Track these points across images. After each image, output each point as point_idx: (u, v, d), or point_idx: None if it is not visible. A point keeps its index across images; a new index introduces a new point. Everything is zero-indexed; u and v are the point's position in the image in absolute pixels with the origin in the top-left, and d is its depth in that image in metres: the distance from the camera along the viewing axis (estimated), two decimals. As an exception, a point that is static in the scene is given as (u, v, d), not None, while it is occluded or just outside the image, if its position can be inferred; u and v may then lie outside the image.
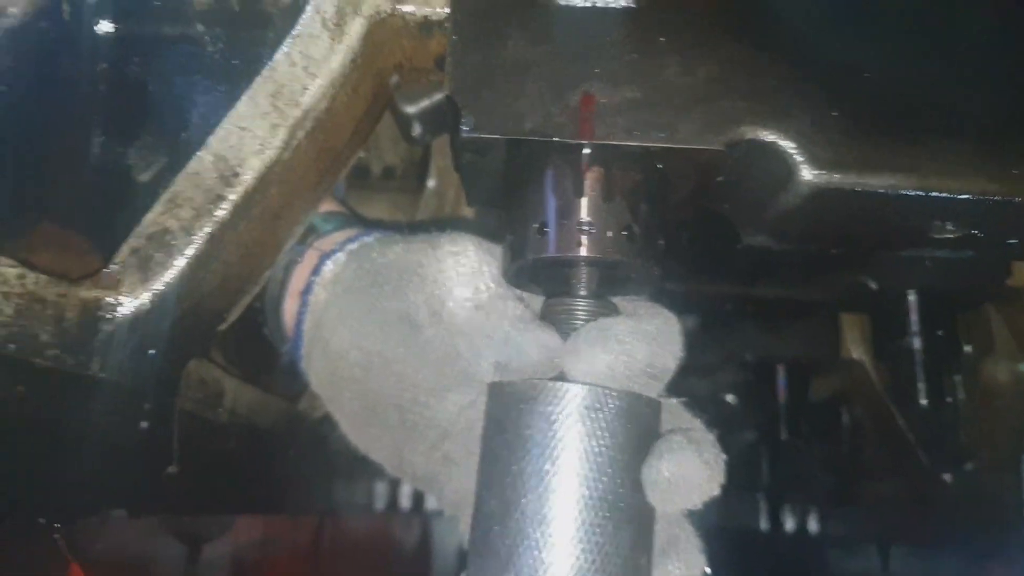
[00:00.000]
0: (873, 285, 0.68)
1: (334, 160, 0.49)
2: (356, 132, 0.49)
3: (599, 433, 0.40)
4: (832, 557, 1.43)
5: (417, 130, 0.85)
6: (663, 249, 0.43)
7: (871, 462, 1.08)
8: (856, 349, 1.01)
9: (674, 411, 0.45)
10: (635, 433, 0.40)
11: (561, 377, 0.41)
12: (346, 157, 0.50)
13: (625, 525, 0.39)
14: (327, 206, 0.57)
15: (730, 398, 1.31)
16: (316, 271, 0.51)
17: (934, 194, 0.40)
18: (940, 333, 0.72)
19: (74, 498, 0.44)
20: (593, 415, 0.40)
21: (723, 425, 1.35)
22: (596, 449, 0.39)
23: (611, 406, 0.40)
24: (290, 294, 0.52)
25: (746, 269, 0.70)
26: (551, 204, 0.41)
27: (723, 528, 1.32)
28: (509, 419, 0.41)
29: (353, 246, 0.51)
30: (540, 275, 0.44)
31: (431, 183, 0.90)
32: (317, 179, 0.49)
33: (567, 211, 0.41)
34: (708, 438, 0.42)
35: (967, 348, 0.92)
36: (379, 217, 0.81)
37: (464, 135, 0.41)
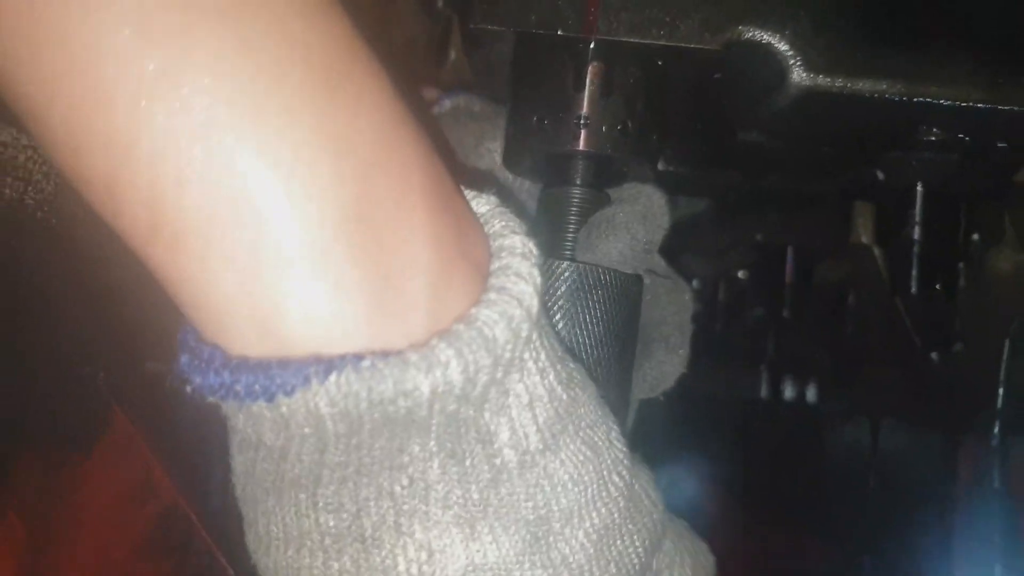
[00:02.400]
0: (881, 176, 0.69)
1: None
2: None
3: (592, 306, 0.43)
4: (827, 427, 1.50)
5: (439, 3, 0.85)
6: (656, 145, 0.45)
7: (870, 343, 1.12)
8: (866, 235, 1.03)
9: (660, 289, 0.48)
10: (623, 304, 0.44)
11: (552, 255, 0.45)
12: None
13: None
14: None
15: (741, 274, 1.34)
16: None
17: (917, 99, 0.41)
18: (941, 225, 0.74)
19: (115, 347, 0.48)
20: (586, 290, 0.43)
21: (734, 299, 1.39)
22: (590, 319, 0.43)
23: (603, 281, 0.43)
24: None
25: (756, 160, 0.72)
26: (550, 97, 0.43)
27: (727, 396, 1.39)
28: None
29: (435, 111, 0.53)
30: (539, 166, 0.47)
31: (452, 56, 0.90)
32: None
33: (566, 105, 0.43)
34: (676, 324, 0.47)
35: (975, 237, 0.94)
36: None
37: (472, 26, 0.43)
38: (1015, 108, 0.42)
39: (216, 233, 0.27)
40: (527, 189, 0.50)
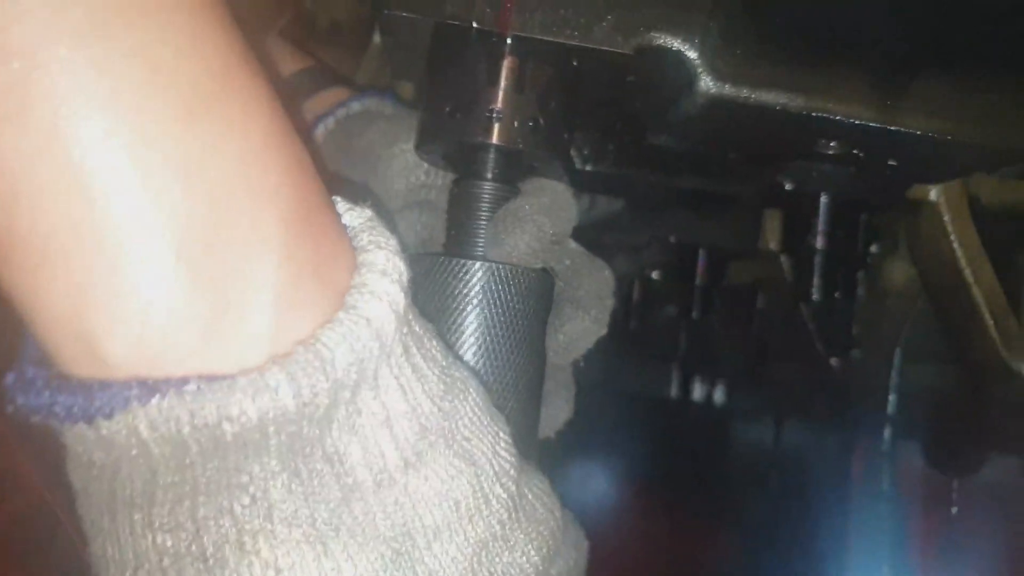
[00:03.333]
0: (788, 185, 0.72)
1: (264, 13, 0.50)
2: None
3: (504, 304, 0.44)
4: (733, 426, 1.55)
5: (366, -14, 0.83)
6: (568, 143, 0.45)
7: (776, 346, 1.16)
8: (773, 241, 1.07)
9: (578, 264, 0.49)
10: (533, 302, 0.45)
11: (462, 253, 0.45)
12: (278, 12, 0.51)
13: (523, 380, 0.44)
14: (306, 62, 0.57)
15: (655, 274, 1.37)
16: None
17: (816, 114, 0.43)
18: (841, 234, 0.78)
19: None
20: (495, 289, 0.44)
21: (647, 299, 1.42)
22: (499, 319, 0.43)
23: (514, 279, 0.44)
24: None
25: (670, 161, 0.73)
26: (464, 89, 0.44)
27: (638, 393, 1.42)
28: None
29: (342, 113, 0.53)
30: (450, 155, 0.47)
31: (376, 40, 0.89)
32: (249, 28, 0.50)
33: (479, 97, 0.43)
34: (593, 292, 0.48)
35: (873, 247, 0.98)
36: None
37: (386, 12, 0.43)
38: (902, 129, 0.44)
39: (51, 250, 0.27)
40: (441, 182, 0.50)
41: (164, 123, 0.27)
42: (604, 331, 0.49)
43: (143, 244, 0.27)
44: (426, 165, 0.50)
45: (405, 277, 0.32)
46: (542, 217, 0.44)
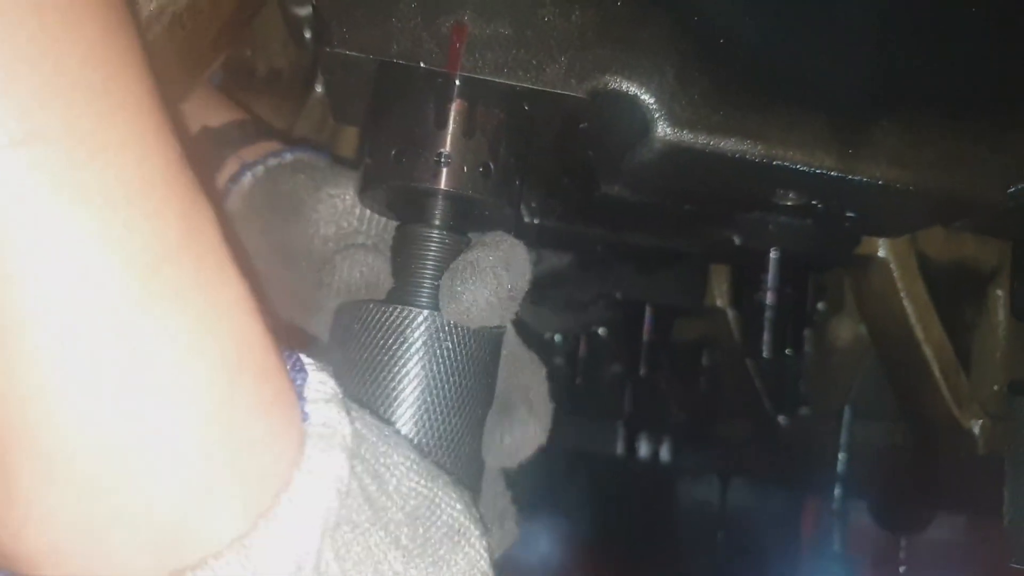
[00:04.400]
0: (737, 240, 0.71)
1: (196, 61, 0.47)
2: (222, 32, 0.47)
3: (448, 356, 0.41)
4: (679, 484, 1.53)
5: (308, 34, 0.81)
6: (519, 190, 0.43)
7: (723, 403, 1.15)
8: (720, 298, 1.07)
9: (522, 357, 0.47)
10: (480, 355, 0.42)
11: (407, 302, 0.42)
12: (210, 57, 0.48)
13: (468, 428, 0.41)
14: (237, 115, 0.56)
15: (601, 331, 1.36)
16: (235, 179, 0.52)
17: (776, 163, 0.42)
18: (790, 290, 0.77)
19: None
20: (441, 340, 0.41)
21: (593, 355, 1.40)
22: (443, 370, 0.41)
23: (458, 330, 0.41)
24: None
25: (619, 215, 0.72)
26: (411, 132, 0.41)
27: (582, 450, 1.39)
28: (350, 339, 0.41)
29: (273, 162, 0.52)
30: (396, 202, 0.44)
31: (318, 89, 0.87)
32: (176, 76, 0.47)
33: (426, 141, 0.41)
34: (541, 395, 0.46)
35: (820, 305, 0.98)
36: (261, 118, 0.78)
37: (329, 50, 0.40)
38: (863, 179, 0.43)
39: None
40: (375, 231, 0.48)
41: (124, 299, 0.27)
42: (545, 439, 0.46)
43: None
44: (359, 211, 0.48)
45: (341, 484, 0.31)
46: (501, 270, 0.41)
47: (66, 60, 0.26)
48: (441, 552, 0.33)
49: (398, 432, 0.37)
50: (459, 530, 0.34)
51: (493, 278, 0.41)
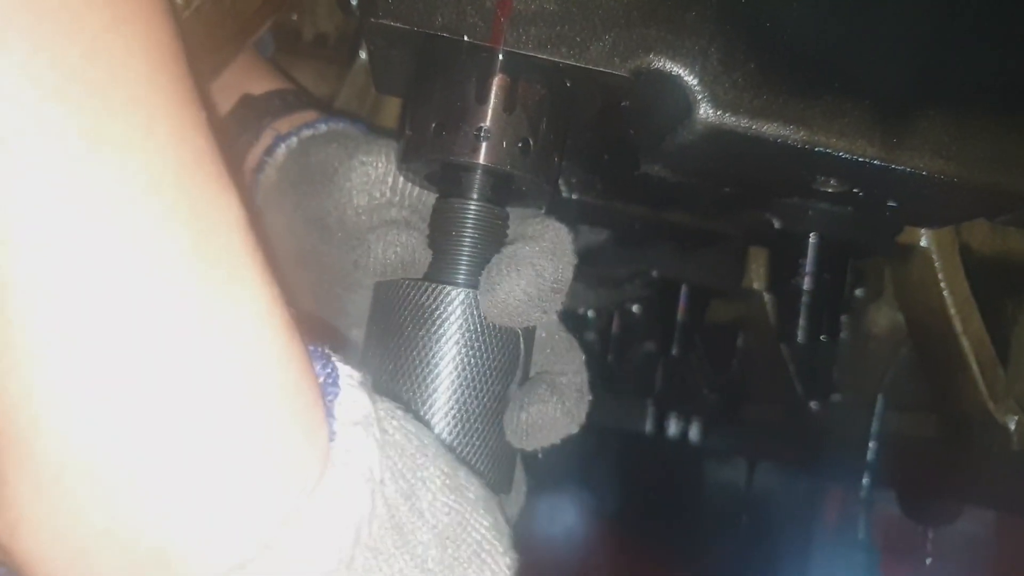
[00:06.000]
0: (777, 224, 0.70)
1: (241, 27, 0.48)
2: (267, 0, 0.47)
3: (482, 333, 0.41)
4: (706, 465, 1.53)
5: (354, 1, 0.82)
6: (557, 167, 0.43)
7: (755, 386, 1.15)
8: (757, 281, 1.06)
9: (560, 345, 0.46)
10: (515, 341, 0.42)
11: (444, 280, 0.42)
12: (256, 23, 0.49)
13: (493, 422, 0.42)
14: (278, 84, 0.55)
15: (635, 308, 1.36)
16: (270, 151, 0.51)
17: (818, 149, 0.41)
18: (828, 276, 0.76)
19: None
20: (477, 317, 0.41)
21: (626, 333, 1.40)
22: (472, 355, 0.41)
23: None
24: (245, 171, 0.52)
25: (658, 194, 0.71)
26: (452, 105, 0.41)
27: (612, 427, 1.40)
28: (388, 318, 0.42)
29: (307, 133, 0.51)
30: (435, 175, 0.44)
31: (362, 55, 0.87)
32: (220, 42, 0.47)
33: (467, 115, 0.41)
34: (574, 383, 0.44)
35: (858, 291, 0.97)
36: (304, 85, 0.79)
37: (374, 21, 0.40)
38: (906, 169, 0.42)
39: None
40: (408, 201, 0.48)
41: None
42: (575, 429, 0.44)
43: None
44: (391, 180, 0.47)
45: (376, 472, 0.30)
46: (543, 261, 0.41)
47: (87, 46, 0.25)
48: (468, 574, 0.33)
49: (436, 439, 0.36)
50: (486, 549, 0.33)
51: (532, 270, 0.41)
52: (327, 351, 0.32)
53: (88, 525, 0.26)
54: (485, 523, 0.34)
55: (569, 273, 0.43)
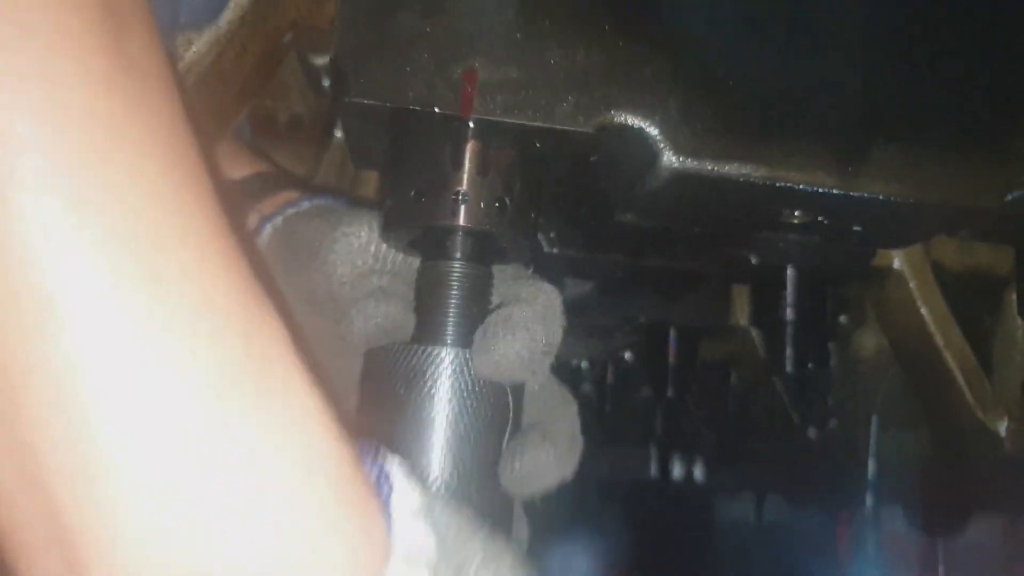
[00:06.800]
0: (754, 260, 0.72)
1: (221, 115, 0.50)
2: (244, 88, 0.50)
3: (468, 397, 0.43)
4: (714, 505, 1.52)
5: (326, 81, 0.84)
6: (534, 223, 0.45)
7: (753, 421, 1.16)
8: (743, 317, 1.07)
9: (553, 395, 0.47)
10: (506, 396, 0.44)
11: (431, 343, 0.44)
12: (234, 112, 0.51)
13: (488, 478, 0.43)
14: (259, 167, 0.57)
15: (628, 356, 1.37)
16: (256, 233, 0.53)
17: (779, 184, 0.43)
18: (809, 306, 0.78)
19: None
20: (468, 375, 0.43)
21: (621, 380, 1.41)
22: (465, 412, 0.43)
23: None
24: None
25: (635, 241, 0.74)
26: (429, 173, 0.43)
27: (614, 477, 1.39)
28: (380, 382, 0.43)
29: (291, 211, 0.52)
30: (418, 240, 0.46)
31: (337, 134, 0.90)
32: (201, 131, 0.50)
33: (444, 181, 0.43)
34: (566, 430, 0.45)
35: (842, 319, 0.99)
36: (283, 167, 0.81)
37: (347, 100, 0.43)
38: (864, 194, 0.44)
39: None
40: (391, 267, 0.49)
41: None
42: (568, 475, 0.45)
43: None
44: (373, 248, 0.49)
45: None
46: (536, 325, 0.43)
47: (128, 193, 0.28)
48: None
49: (486, 536, 0.37)
50: None
51: (526, 333, 0.42)
52: (376, 444, 0.34)
53: None
54: None
55: (559, 336, 0.45)
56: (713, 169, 0.43)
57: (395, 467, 0.33)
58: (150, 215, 0.28)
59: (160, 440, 0.27)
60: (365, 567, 0.30)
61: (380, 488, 0.32)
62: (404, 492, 0.33)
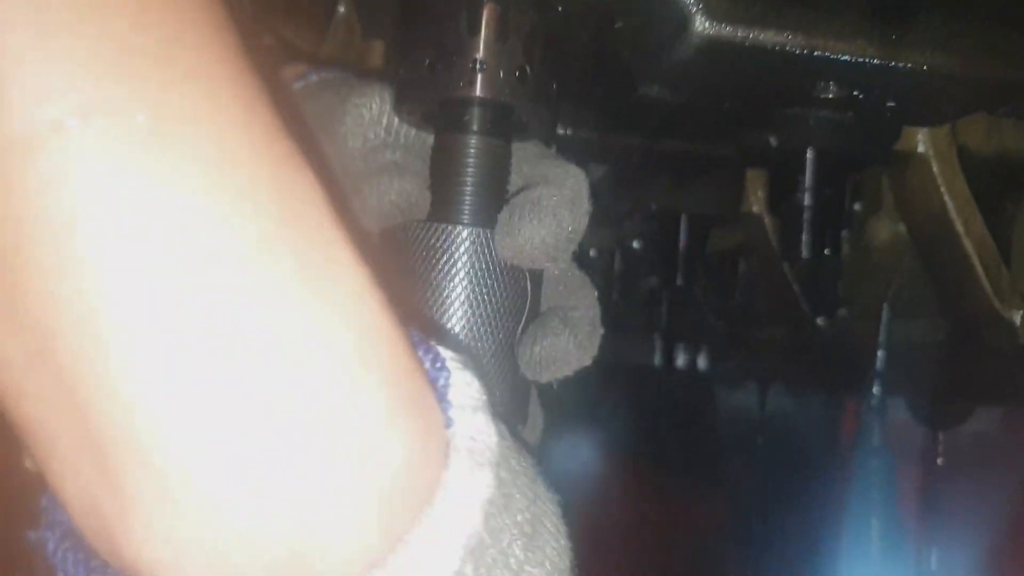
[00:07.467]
0: (773, 141, 0.70)
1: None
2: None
3: (492, 270, 0.42)
4: (717, 393, 1.55)
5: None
6: (555, 94, 0.43)
7: (760, 310, 1.16)
8: (756, 203, 1.06)
9: (573, 281, 0.46)
10: (525, 277, 0.43)
11: (450, 219, 0.42)
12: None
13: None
14: (262, 41, 0.55)
15: (636, 244, 1.36)
16: None
17: (817, 53, 0.41)
18: (827, 191, 0.76)
19: None
20: (486, 255, 0.41)
21: (629, 269, 1.41)
22: (484, 292, 0.42)
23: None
24: None
25: (654, 121, 0.71)
26: (443, 40, 0.41)
27: (619, 364, 1.41)
28: (397, 260, 0.42)
29: (298, 85, 0.50)
30: (432, 113, 0.44)
31: (341, 9, 0.86)
32: None
33: (459, 48, 0.41)
34: (587, 317, 0.44)
35: (857, 206, 0.97)
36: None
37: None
38: (907, 65, 0.42)
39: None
40: (404, 140, 0.47)
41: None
42: (588, 362, 0.43)
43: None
44: (385, 121, 0.46)
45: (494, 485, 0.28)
46: (563, 211, 0.41)
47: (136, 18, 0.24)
48: None
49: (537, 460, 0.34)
50: None
51: (553, 219, 0.41)
52: (424, 336, 0.31)
53: (222, 530, 0.25)
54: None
55: (585, 223, 0.43)
56: (747, 36, 0.41)
57: (450, 355, 0.30)
58: (162, 40, 0.24)
59: (182, 318, 0.24)
60: (425, 467, 0.27)
61: (436, 379, 0.29)
62: (463, 383, 0.30)
